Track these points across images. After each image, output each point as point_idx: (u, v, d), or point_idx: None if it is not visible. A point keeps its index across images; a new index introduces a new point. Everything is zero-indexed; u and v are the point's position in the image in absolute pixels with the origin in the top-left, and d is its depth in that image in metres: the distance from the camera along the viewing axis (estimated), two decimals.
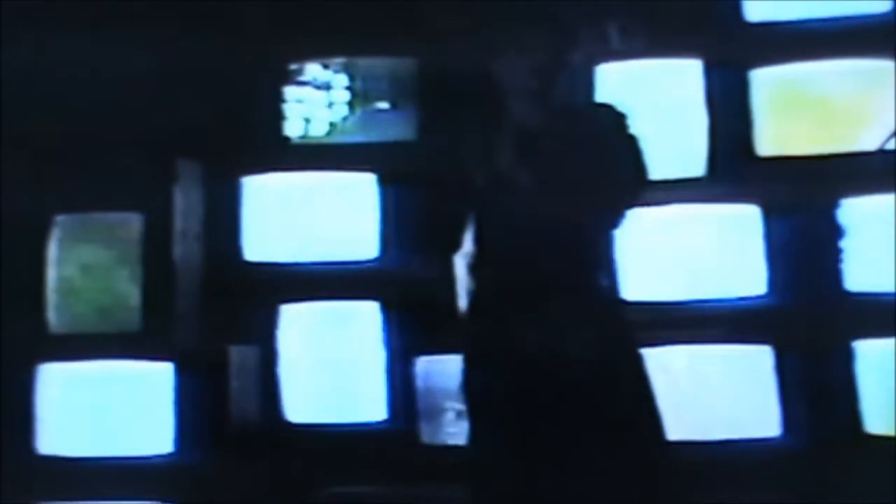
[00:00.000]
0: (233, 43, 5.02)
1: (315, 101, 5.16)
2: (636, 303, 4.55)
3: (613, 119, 3.80)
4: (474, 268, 3.80)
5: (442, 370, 4.72)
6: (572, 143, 3.67)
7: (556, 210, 3.62)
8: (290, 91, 5.17)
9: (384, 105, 5.17)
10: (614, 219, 3.77)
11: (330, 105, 5.17)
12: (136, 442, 4.98)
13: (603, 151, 3.67)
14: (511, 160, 3.70)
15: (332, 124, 5.16)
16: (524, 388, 3.66)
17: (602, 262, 3.88)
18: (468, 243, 3.82)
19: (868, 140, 4.84)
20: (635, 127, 3.79)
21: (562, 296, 3.67)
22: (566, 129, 3.71)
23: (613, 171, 3.67)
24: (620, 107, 3.84)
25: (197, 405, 4.96)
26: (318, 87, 5.18)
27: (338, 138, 5.16)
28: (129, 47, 4.98)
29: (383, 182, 5.05)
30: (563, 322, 3.65)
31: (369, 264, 5.04)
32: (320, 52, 5.19)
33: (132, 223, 5.11)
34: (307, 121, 5.16)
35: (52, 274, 5.10)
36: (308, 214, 5.09)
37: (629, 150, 3.76)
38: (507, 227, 3.71)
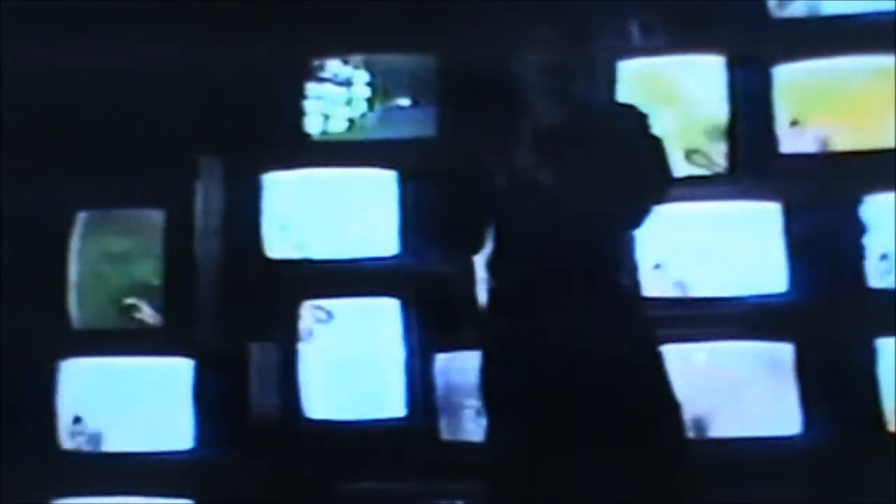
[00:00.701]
0: (254, 39, 5.01)
1: (335, 98, 5.16)
2: (657, 300, 4.52)
3: (635, 119, 3.79)
4: (494, 265, 3.79)
5: (461, 367, 4.68)
6: (593, 142, 3.65)
7: (576, 209, 3.61)
8: (310, 87, 5.16)
9: (404, 102, 5.16)
10: (635, 219, 3.75)
11: (349, 102, 5.16)
12: (156, 438, 5.00)
13: (624, 151, 3.64)
14: (532, 158, 3.68)
15: (351, 121, 5.16)
16: (543, 386, 3.65)
17: (623, 260, 3.84)
18: (487, 240, 3.81)
19: (892, 136, 4.76)
20: (657, 127, 3.79)
21: (582, 294, 3.65)
22: (587, 127, 3.69)
23: (635, 171, 3.64)
24: (642, 107, 3.83)
25: (217, 401, 4.97)
26: (339, 84, 5.17)
27: (358, 135, 5.15)
28: (152, 44, 4.98)
29: (403, 179, 5.05)
30: (583, 320, 3.64)
31: (389, 261, 5.05)
32: (340, 49, 5.19)
33: (154, 219, 5.14)
34: (326, 117, 5.16)
35: (73, 269, 5.12)
36: (328, 211, 5.09)
37: (651, 150, 3.75)
38: (528, 224, 3.69)
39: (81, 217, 5.15)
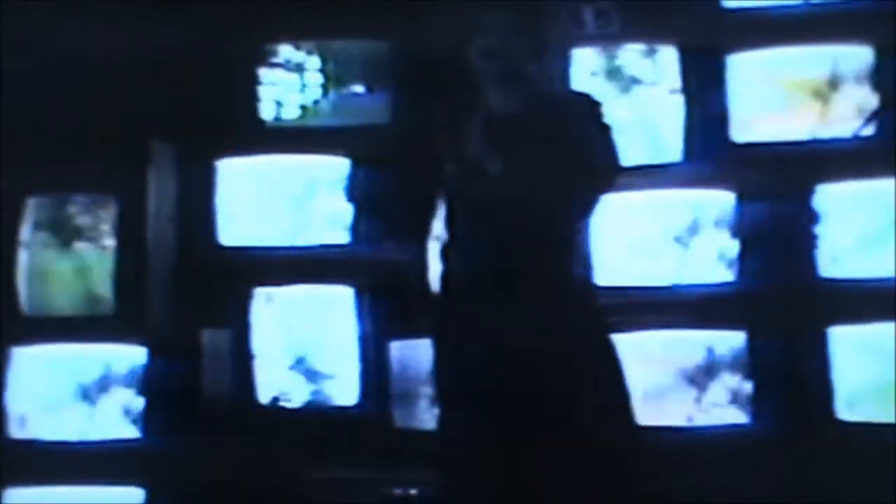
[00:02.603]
0: (207, 24, 4.97)
1: (287, 84, 5.13)
2: (609, 288, 4.51)
3: (587, 107, 3.79)
4: (446, 252, 3.79)
5: (415, 354, 4.70)
6: (545, 129, 3.66)
7: (526, 197, 3.62)
8: (262, 73, 5.14)
9: (359, 88, 5.13)
10: (586, 207, 3.77)
11: (303, 88, 5.13)
12: (107, 426, 4.97)
13: (576, 139, 3.66)
14: (482, 146, 3.69)
15: (303, 107, 5.12)
16: (495, 374, 3.66)
17: (574, 247, 3.86)
18: (439, 228, 3.82)
19: (844, 126, 4.82)
20: (609, 115, 3.78)
21: (533, 281, 3.67)
22: (539, 115, 3.70)
23: (586, 159, 3.66)
24: (594, 95, 3.84)
25: (169, 389, 4.94)
26: (291, 70, 5.14)
27: (312, 121, 5.12)
28: (102, 28, 4.95)
29: (357, 166, 5.02)
30: (535, 307, 3.65)
31: (343, 248, 5.03)
32: (293, 34, 5.16)
33: (105, 206, 5.10)
34: (279, 104, 5.13)
35: (24, 256, 5.08)
36: (282, 198, 5.06)
37: (602, 138, 3.75)
38: (479, 212, 3.70)
39: (31, 203, 5.11)
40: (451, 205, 3.78)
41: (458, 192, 3.75)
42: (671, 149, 4.89)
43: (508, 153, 3.65)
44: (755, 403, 4.72)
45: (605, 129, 3.77)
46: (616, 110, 3.86)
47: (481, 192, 3.67)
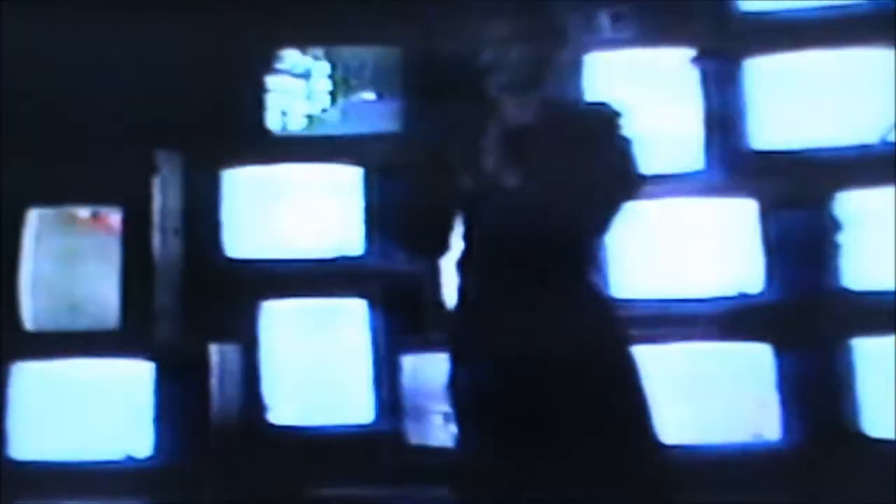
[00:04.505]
0: (212, 30, 4.90)
1: (294, 91, 5.13)
2: (629, 300, 4.49)
3: (605, 116, 3.70)
4: (462, 264, 3.70)
5: (429, 369, 4.63)
6: (562, 140, 3.57)
7: (545, 209, 3.53)
8: (268, 80, 5.13)
9: (369, 95, 5.11)
10: (605, 218, 3.67)
11: (310, 95, 5.12)
12: (113, 444, 4.91)
13: (594, 150, 3.57)
14: (498, 158, 3.61)
15: (310, 116, 5.12)
16: (511, 388, 3.56)
17: (593, 260, 3.80)
18: (456, 240, 3.73)
19: (866, 132, 4.76)
20: (629, 127, 3.70)
21: (552, 294, 3.57)
22: (556, 126, 3.62)
23: (605, 170, 3.58)
24: (614, 106, 3.74)
25: (177, 406, 4.91)
26: (297, 76, 5.13)
27: (321, 130, 5.11)
28: (108, 35, 4.93)
29: (369, 175, 4.99)
30: (553, 321, 3.54)
31: (355, 260, 5.00)
32: (300, 39, 5.15)
33: (110, 216, 5.07)
34: (285, 112, 5.12)
35: (25, 269, 5.04)
36: (291, 209, 5.04)
37: (621, 148, 3.67)
38: (496, 224, 3.61)
39: (33, 214, 5.07)
40: (466, 217, 3.70)
41: (474, 204, 3.65)
42: (691, 157, 4.86)
43: (524, 167, 3.57)
44: (781, 418, 4.66)
45: (624, 139, 3.69)
46: (634, 118, 3.70)
47: (497, 205, 3.59)
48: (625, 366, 3.66)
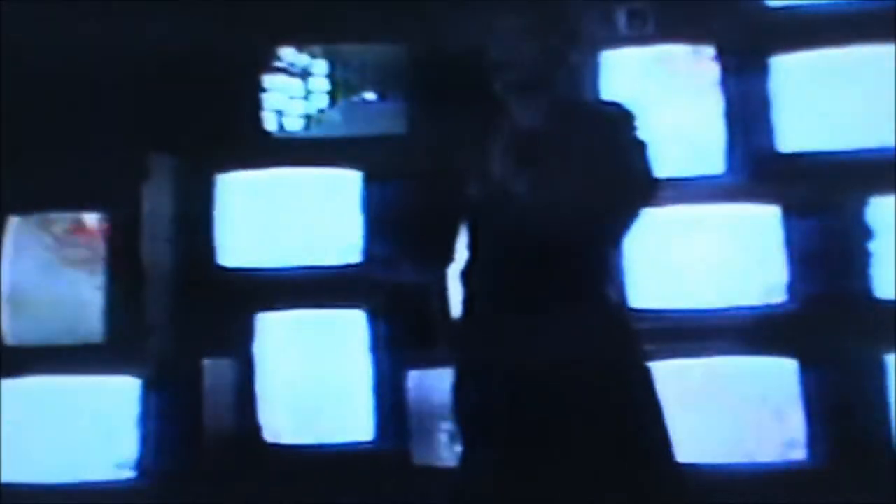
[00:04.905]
0: (205, 26, 4.86)
1: (291, 91, 5.05)
2: (645, 312, 4.48)
3: (619, 117, 3.61)
4: (468, 274, 3.61)
5: (435, 385, 4.60)
6: (573, 143, 3.49)
7: (555, 215, 3.44)
8: (265, 80, 5.06)
9: (370, 95, 5.04)
10: (620, 225, 3.60)
11: (308, 95, 5.05)
12: (99, 465, 4.80)
13: (607, 153, 3.49)
14: (507, 163, 3.54)
15: (308, 117, 5.04)
16: (521, 407, 3.48)
17: (607, 270, 3.71)
18: (461, 249, 3.65)
19: None
20: (643, 127, 3.61)
21: (563, 306, 3.49)
22: (566, 128, 3.54)
23: (619, 174, 3.50)
24: (627, 105, 3.64)
25: (167, 424, 4.83)
26: (294, 75, 5.06)
27: (320, 132, 5.04)
28: (96, 30, 4.86)
29: (370, 180, 4.93)
30: (564, 334, 3.46)
31: (354, 269, 4.92)
32: (297, 36, 5.08)
33: (96, 224, 4.98)
34: (280, 113, 5.05)
35: (6, 280, 4.95)
36: (288, 215, 4.97)
37: (636, 150, 3.58)
38: (504, 232, 3.53)
39: (14, 222, 4.98)
40: (473, 224, 3.61)
41: (481, 211, 3.58)
42: (712, 160, 4.80)
43: (534, 170, 3.49)
44: (808, 437, 4.59)
45: (639, 141, 3.60)
46: (651, 119, 3.64)
47: (506, 212, 3.51)
48: (640, 381, 3.58)
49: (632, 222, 3.56)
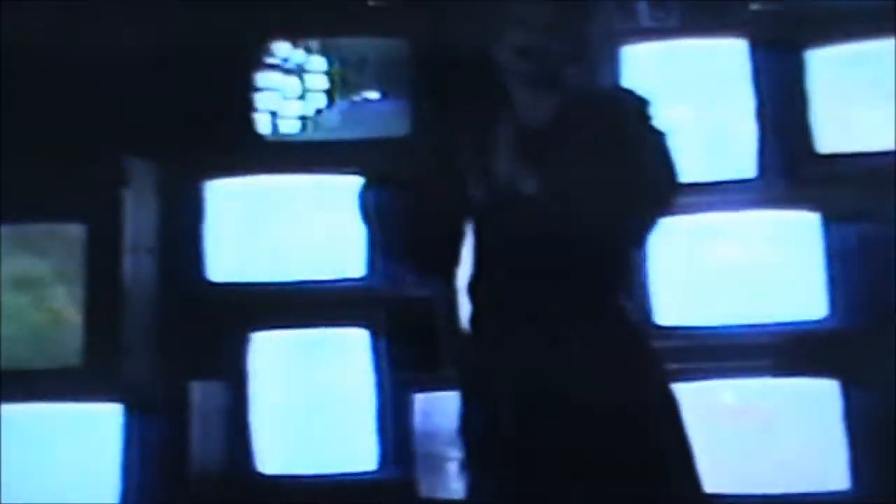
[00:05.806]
0: (193, 20, 4.78)
1: (285, 90, 4.95)
2: (671, 329, 4.43)
3: (635, 108, 3.45)
4: (474, 287, 3.46)
5: (442, 409, 4.40)
6: (586, 139, 3.35)
7: (568, 220, 3.31)
8: (257, 77, 4.97)
9: (372, 94, 4.94)
10: (638, 232, 3.47)
11: (304, 94, 4.95)
12: (78, 495, 4.64)
13: (623, 149, 3.34)
14: (514, 162, 3.40)
15: (304, 118, 4.95)
16: (529, 430, 3.35)
17: (625, 281, 3.57)
18: (467, 258, 3.51)
19: None
20: (661, 117, 3.43)
21: (577, 321, 3.36)
22: (578, 122, 3.38)
23: (636, 173, 3.34)
24: (642, 92, 3.48)
25: (151, 453, 4.71)
26: (289, 72, 4.95)
27: (316, 134, 4.94)
28: (73, 27, 4.82)
29: (371, 185, 4.41)
30: (579, 352, 3.34)
31: (356, 283, 4.82)
32: (291, 30, 4.98)
33: (74, 235, 4.85)
34: (273, 114, 4.93)
35: None
36: (283, 225, 4.87)
37: (655, 146, 3.42)
38: (513, 239, 3.39)
39: None
40: (478, 230, 3.45)
41: (488, 216, 3.43)
42: (743, 163, 4.71)
43: (544, 169, 3.36)
44: (851, 465, 4.44)
45: (658, 135, 3.43)
46: (674, 115, 3.55)
47: (514, 217, 3.37)
48: (662, 404, 3.45)
49: (652, 226, 3.44)
